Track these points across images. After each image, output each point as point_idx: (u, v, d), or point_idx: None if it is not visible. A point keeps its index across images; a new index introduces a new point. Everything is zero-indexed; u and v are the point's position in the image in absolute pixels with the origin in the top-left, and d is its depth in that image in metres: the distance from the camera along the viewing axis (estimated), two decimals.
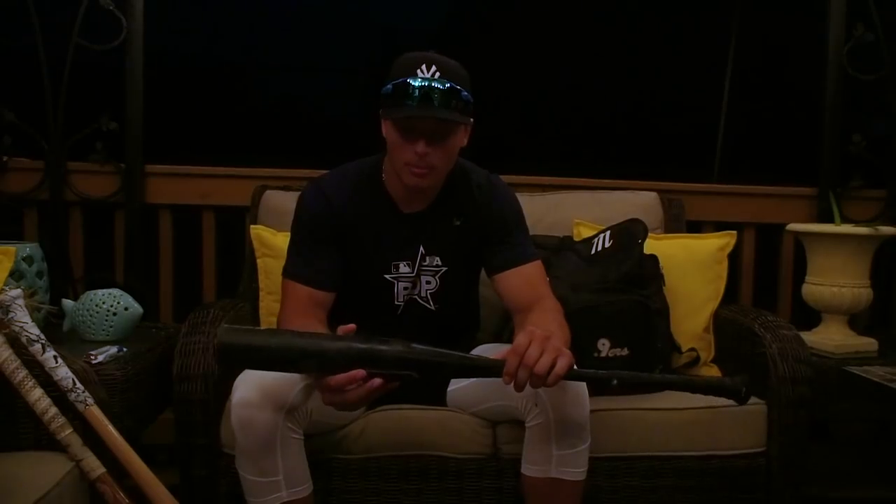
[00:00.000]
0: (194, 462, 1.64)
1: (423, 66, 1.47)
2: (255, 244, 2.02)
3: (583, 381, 1.42)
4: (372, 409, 1.64)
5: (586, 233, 2.12)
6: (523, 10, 3.01)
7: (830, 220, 2.23)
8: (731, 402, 1.33)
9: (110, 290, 1.90)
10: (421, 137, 1.47)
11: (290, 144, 2.94)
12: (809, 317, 2.26)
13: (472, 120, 1.55)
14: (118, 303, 1.87)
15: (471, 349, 1.69)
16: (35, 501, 1.25)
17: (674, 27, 3.00)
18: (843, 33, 2.49)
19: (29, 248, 1.89)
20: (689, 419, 1.73)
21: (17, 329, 1.46)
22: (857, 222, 2.22)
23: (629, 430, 1.71)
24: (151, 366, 1.80)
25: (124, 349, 1.77)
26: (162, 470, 1.55)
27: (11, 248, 1.72)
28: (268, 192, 2.18)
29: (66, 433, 1.42)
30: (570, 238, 2.10)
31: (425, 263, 1.66)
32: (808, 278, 2.18)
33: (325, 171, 1.69)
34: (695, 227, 2.43)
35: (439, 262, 1.66)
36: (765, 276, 2.58)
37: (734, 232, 2.12)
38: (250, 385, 1.39)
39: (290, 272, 1.61)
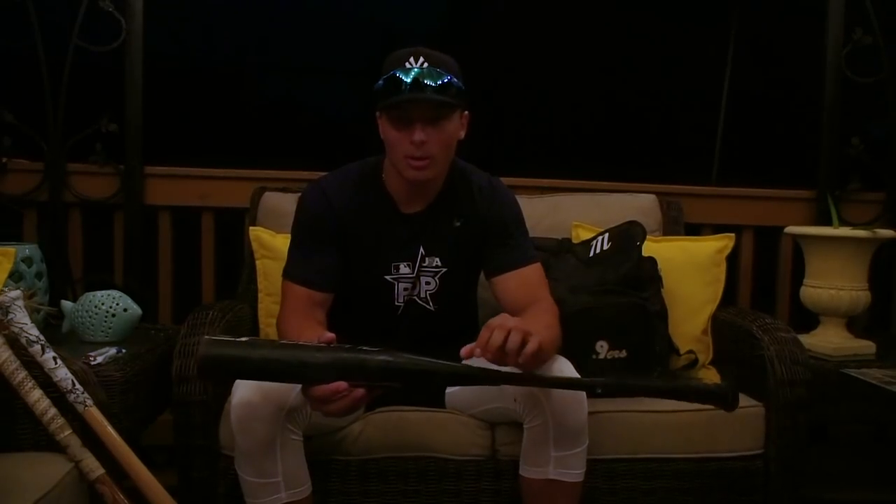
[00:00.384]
0: (193, 463, 1.64)
1: (412, 59, 1.48)
2: (255, 245, 2.02)
3: (567, 388, 1.41)
4: (371, 410, 1.65)
5: (585, 235, 2.12)
6: (523, 11, 3.01)
7: (829, 223, 2.23)
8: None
9: (109, 292, 1.90)
10: (416, 123, 1.48)
11: (290, 146, 2.94)
12: (807, 319, 2.25)
13: (466, 112, 1.55)
14: (117, 304, 1.87)
15: None
16: (34, 502, 1.25)
17: (673, 30, 3.00)
18: (842, 36, 2.50)
19: (28, 249, 1.89)
20: (687, 421, 1.73)
21: (16, 330, 1.47)
22: (855, 225, 2.22)
23: (627, 432, 1.71)
24: (150, 367, 1.79)
25: (123, 350, 1.77)
26: (161, 471, 1.55)
27: (11, 250, 1.72)
28: (267, 194, 2.18)
29: (66, 434, 1.42)
30: (568, 240, 2.10)
31: (425, 264, 1.66)
32: (806, 281, 2.18)
33: (324, 173, 1.70)
34: (693, 230, 2.44)
35: (439, 263, 1.66)
36: (763, 279, 2.59)
37: (732, 234, 2.13)
38: (250, 386, 1.39)
39: (290, 273, 1.61)
